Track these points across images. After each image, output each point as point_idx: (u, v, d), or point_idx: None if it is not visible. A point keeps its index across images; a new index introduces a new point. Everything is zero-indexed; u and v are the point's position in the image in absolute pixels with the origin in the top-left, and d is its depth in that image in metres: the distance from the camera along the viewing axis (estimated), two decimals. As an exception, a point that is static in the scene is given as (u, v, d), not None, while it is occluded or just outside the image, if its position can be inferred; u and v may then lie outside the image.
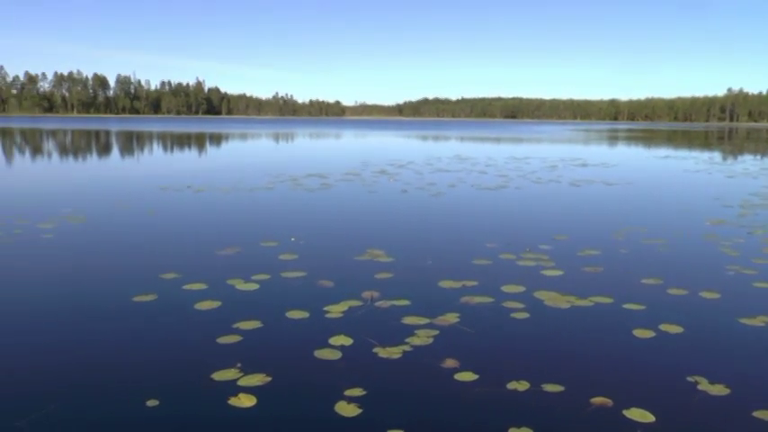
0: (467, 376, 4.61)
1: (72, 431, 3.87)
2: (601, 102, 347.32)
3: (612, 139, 62.88)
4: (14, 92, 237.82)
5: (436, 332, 5.52)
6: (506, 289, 6.90)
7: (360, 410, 4.08)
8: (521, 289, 6.90)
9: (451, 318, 5.90)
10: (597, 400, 4.25)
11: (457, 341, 5.33)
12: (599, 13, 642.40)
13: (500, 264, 8.08)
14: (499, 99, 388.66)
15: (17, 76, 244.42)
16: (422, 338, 5.35)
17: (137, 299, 6.47)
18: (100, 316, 5.95)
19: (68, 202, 13.31)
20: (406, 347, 5.15)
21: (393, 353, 5.03)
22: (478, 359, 4.94)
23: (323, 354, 5.02)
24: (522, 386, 4.45)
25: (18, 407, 4.14)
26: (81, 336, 5.45)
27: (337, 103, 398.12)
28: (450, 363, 4.84)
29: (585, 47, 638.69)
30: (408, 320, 5.81)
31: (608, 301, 6.50)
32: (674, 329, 5.67)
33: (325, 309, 6.13)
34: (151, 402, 4.21)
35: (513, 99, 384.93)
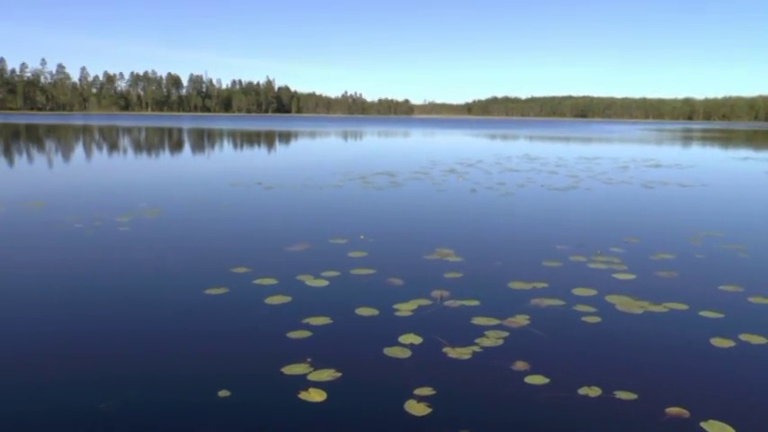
0: (537, 380, 4.54)
1: (148, 415, 4.00)
2: (674, 100, 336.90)
3: (687, 139, 60.92)
4: (94, 91, 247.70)
5: (506, 334, 5.45)
6: (577, 292, 6.76)
7: (429, 410, 4.06)
8: (592, 292, 6.75)
9: (521, 320, 5.82)
10: (673, 410, 4.12)
11: (527, 344, 5.25)
12: (671, 8, 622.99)
13: (570, 266, 7.93)
14: (569, 98, 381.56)
15: (97, 76, 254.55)
16: (492, 340, 5.30)
17: (209, 292, 6.62)
18: (173, 307, 6.12)
19: (144, 197, 13.74)
20: (476, 348, 5.10)
21: (463, 353, 4.99)
22: (549, 363, 4.86)
23: (392, 352, 5.02)
24: (593, 392, 4.35)
25: (100, 391, 4.30)
26: (156, 326, 5.62)
27: (406, 101, 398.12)
28: (520, 365, 4.78)
29: (658, 44, 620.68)
30: (478, 321, 5.76)
31: (683, 307, 6.29)
32: (757, 340, 5.44)
33: (395, 307, 6.13)
34: (223, 393, 4.30)
35: (584, 98, 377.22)
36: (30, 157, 25.77)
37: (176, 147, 35.42)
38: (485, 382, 4.51)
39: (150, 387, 4.39)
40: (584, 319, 5.91)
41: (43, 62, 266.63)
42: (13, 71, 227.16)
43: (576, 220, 11.42)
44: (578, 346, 5.25)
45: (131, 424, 3.89)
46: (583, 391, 4.37)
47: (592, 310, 6.16)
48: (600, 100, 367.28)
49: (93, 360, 4.84)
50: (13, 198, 13.42)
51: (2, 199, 13.23)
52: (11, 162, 23.43)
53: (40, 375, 4.55)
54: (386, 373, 4.65)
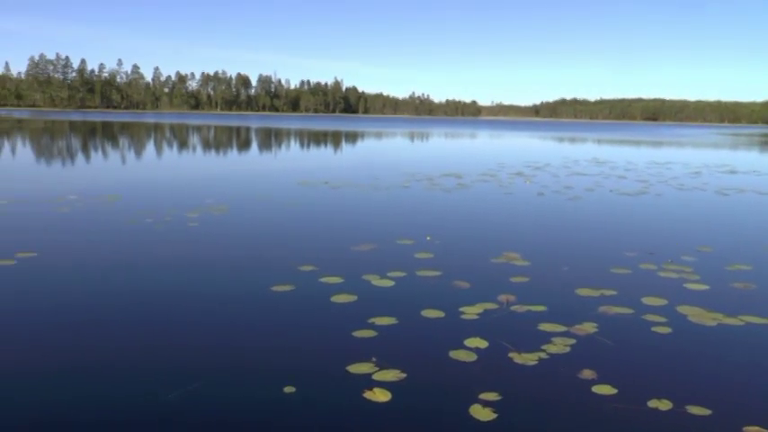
0: (605, 389, 4.43)
1: (214, 407, 4.08)
2: (753, 104, 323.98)
3: (766, 144, 58.51)
4: (166, 90, 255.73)
5: (573, 341, 5.34)
6: (647, 301, 6.57)
7: (494, 415, 4.01)
8: (662, 302, 6.55)
9: (589, 327, 5.70)
10: (751, 429, 3.93)
11: (595, 352, 5.13)
12: (745, 8, 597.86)
13: (640, 274, 7.72)
14: (639, 100, 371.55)
15: (169, 76, 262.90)
16: (558, 346, 5.20)
17: (275, 288, 6.71)
18: (241, 302, 6.23)
19: (212, 194, 14.06)
20: (542, 354, 5.02)
21: (529, 359, 4.92)
22: (617, 372, 4.74)
23: (458, 355, 4.99)
24: (663, 405, 4.21)
25: (167, 382, 4.42)
26: (223, 320, 5.73)
27: (473, 103, 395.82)
28: (587, 374, 4.68)
29: (735, 44, 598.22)
30: (545, 327, 5.67)
31: (761, 321, 6.03)
32: (838, 357, 5.18)
33: (461, 309, 6.09)
34: (288, 389, 4.34)
35: (655, 100, 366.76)
36: (105, 154, 26.69)
37: (244, 145, 36.11)
38: (551, 389, 4.42)
39: (216, 380, 4.47)
40: (654, 329, 5.74)
41: (119, 63, 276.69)
42: (92, 71, 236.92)
43: (646, 227, 11.11)
44: (648, 356, 5.10)
45: (196, 415, 3.98)
46: (652, 403, 4.24)
47: (662, 320, 5.98)
48: (672, 103, 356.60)
49: (161, 351, 4.97)
50: (90, 192, 13.93)
51: (79, 192, 13.76)
52: (88, 157, 24.34)
53: (107, 365, 4.70)
54: (451, 376, 4.62)
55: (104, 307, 6.02)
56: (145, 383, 4.39)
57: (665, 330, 5.70)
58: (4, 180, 16.18)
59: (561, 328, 5.64)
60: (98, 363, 4.73)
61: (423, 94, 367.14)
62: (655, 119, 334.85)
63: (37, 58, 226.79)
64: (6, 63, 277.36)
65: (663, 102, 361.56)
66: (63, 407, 4.03)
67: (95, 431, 3.76)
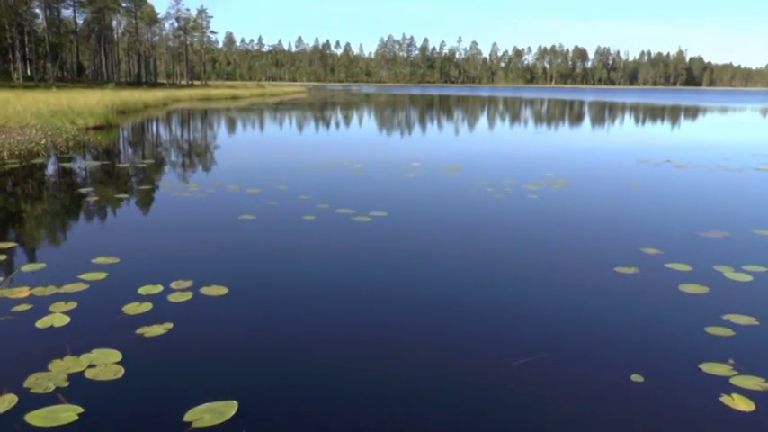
0: None
1: (556, 379, 4.00)
2: None
3: None
4: (502, 65, 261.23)
5: None
6: None
7: None
8: None
9: None
10: None
11: None
12: None
13: None
14: None
15: (506, 51, 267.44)
16: None
17: (618, 269, 6.35)
18: (585, 280, 6.00)
19: (549, 167, 13.90)
20: None
21: None
22: None
23: (837, 373, 4.20)
24: None
25: (512, 353, 4.43)
26: (567, 296, 5.56)
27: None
28: None
29: None
30: None
31: None
32: None
33: (839, 319, 5.14)
34: (635, 377, 4.06)
35: None
36: (441, 125, 28.03)
37: (578, 119, 35.13)
38: None
39: (561, 354, 4.38)
40: None
41: (459, 40, 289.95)
42: (433, 49, 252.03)
43: None
44: None
45: (537, 382, 3.93)
46: None
47: None
48: None
49: (505, 319, 5.01)
50: (432, 160, 14.81)
51: (422, 159, 14.67)
52: (426, 128, 25.88)
53: (457, 326, 4.88)
54: (830, 396, 3.90)
55: (453, 269, 6.28)
56: (491, 347, 4.47)
57: None
58: (362, 147, 17.95)
59: None
60: (451, 323, 4.95)
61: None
62: None
63: (385, 39, 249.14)
64: (360, 45, 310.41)
65: None
66: (418, 358, 4.29)
67: (449, 383, 3.94)
